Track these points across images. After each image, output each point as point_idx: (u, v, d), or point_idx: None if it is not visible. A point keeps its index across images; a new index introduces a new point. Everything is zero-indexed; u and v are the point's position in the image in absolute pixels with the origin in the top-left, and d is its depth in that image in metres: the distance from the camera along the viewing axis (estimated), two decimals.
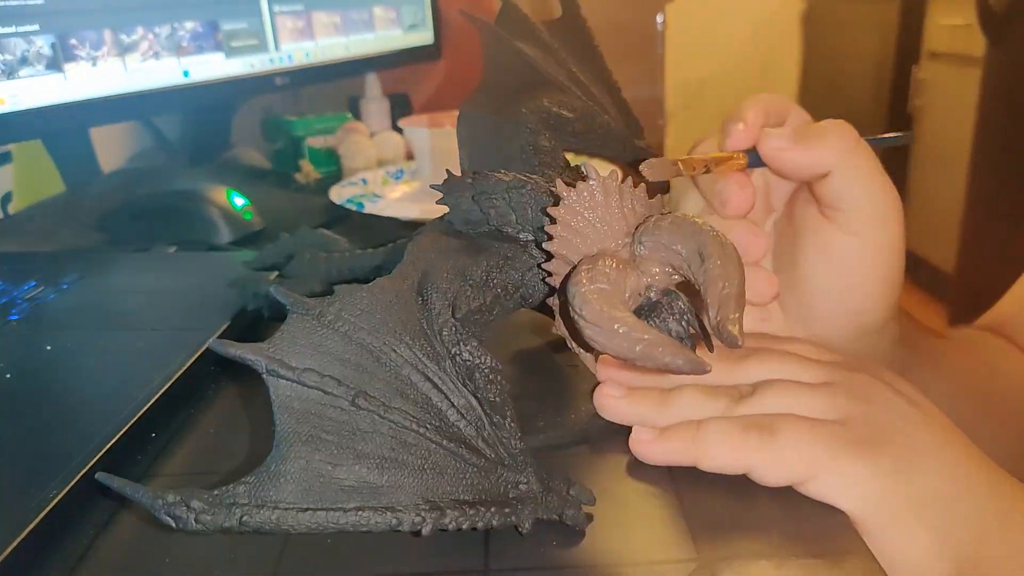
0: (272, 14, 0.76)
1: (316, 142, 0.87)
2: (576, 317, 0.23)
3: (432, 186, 0.32)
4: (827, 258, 0.35)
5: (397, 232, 0.61)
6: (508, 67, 0.38)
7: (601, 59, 0.42)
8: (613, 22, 1.15)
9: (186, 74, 0.68)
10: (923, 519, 0.27)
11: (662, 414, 0.30)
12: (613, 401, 0.31)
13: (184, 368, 0.36)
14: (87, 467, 0.29)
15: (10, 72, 0.54)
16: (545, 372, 0.39)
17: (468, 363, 0.26)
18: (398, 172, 0.79)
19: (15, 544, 0.25)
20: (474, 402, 0.26)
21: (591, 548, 0.26)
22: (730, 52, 2.73)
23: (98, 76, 0.60)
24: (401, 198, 0.74)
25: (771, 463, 0.28)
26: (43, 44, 0.56)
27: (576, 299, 0.23)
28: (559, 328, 0.31)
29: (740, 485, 0.29)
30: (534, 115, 0.35)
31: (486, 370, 0.26)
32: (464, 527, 0.25)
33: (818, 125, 0.35)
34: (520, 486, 0.26)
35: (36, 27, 0.56)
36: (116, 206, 0.64)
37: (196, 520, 0.23)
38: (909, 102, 2.19)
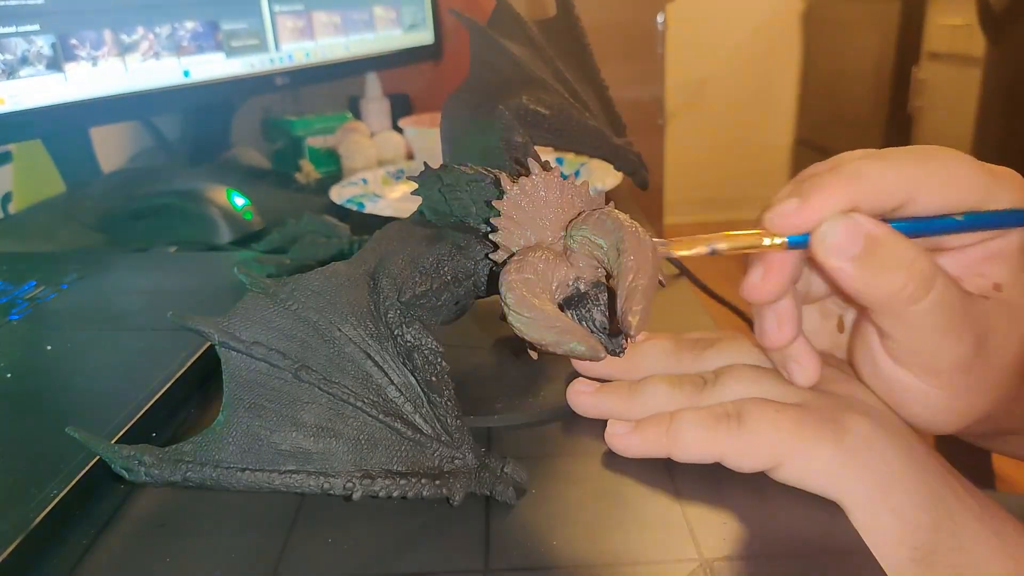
0: (272, 14, 0.76)
1: (316, 142, 0.87)
2: (503, 304, 0.25)
3: (408, 176, 0.33)
4: (891, 389, 0.30)
5: None
6: (494, 65, 0.39)
7: (591, 57, 0.43)
8: (614, 22, 1.14)
9: (186, 74, 0.68)
10: (887, 502, 0.27)
11: (631, 406, 0.32)
12: (584, 397, 0.33)
13: (184, 368, 0.36)
14: (87, 467, 0.29)
15: (10, 72, 0.54)
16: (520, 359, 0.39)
17: (409, 344, 0.28)
18: (398, 172, 0.79)
19: (16, 543, 0.25)
20: (413, 381, 0.28)
21: (591, 548, 0.26)
22: (730, 52, 2.73)
23: (98, 76, 0.60)
24: (401, 198, 0.74)
25: (742, 451, 0.28)
26: (43, 44, 0.56)
27: (502, 287, 0.25)
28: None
29: (740, 484, 0.29)
30: (510, 111, 0.35)
31: (426, 351, 0.28)
32: (394, 495, 0.26)
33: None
34: (455, 461, 0.28)
35: (36, 27, 0.56)
36: (116, 206, 0.64)
37: (146, 473, 0.25)
38: (909, 102, 2.19)
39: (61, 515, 0.27)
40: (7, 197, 0.75)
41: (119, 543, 0.27)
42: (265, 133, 0.93)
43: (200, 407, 0.36)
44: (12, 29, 0.54)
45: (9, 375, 0.36)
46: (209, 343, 0.38)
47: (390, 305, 0.28)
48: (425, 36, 1.00)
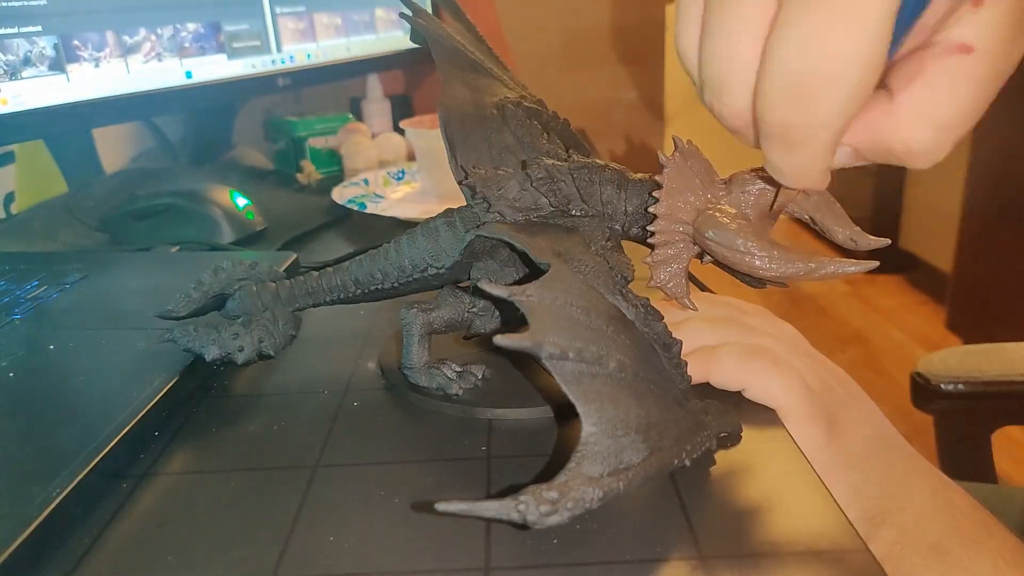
0: (274, 15, 0.77)
1: (318, 143, 0.87)
2: (741, 254, 0.28)
3: (463, 183, 0.34)
4: None
5: (398, 232, 0.61)
6: (452, 54, 0.40)
7: (487, 44, 0.44)
8: (614, 24, 1.15)
9: (188, 75, 0.68)
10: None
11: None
12: None
13: (186, 367, 0.36)
14: (90, 465, 0.29)
15: (13, 72, 0.55)
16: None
17: (659, 337, 0.29)
18: (399, 173, 0.79)
19: (18, 542, 0.25)
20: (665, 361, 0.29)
21: (591, 546, 0.26)
22: None
23: (101, 77, 0.60)
24: (403, 199, 0.74)
25: (763, 386, 0.35)
26: (46, 45, 0.56)
27: (738, 240, 0.28)
28: (657, 279, 0.32)
29: (740, 483, 0.29)
30: (517, 107, 0.37)
31: (672, 343, 0.29)
32: (699, 454, 0.28)
33: None
34: (702, 416, 0.30)
35: (39, 28, 0.56)
36: (118, 206, 0.64)
37: (553, 514, 0.24)
38: None
39: (63, 514, 0.27)
40: (10, 197, 0.75)
41: (121, 542, 0.27)
42: (267, 134, 0.94)
43: (201, 405, 0.37)
44: (15, 30, 0.54)
45: (11, 374, 0.37)
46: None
47: (619, 286, 0.29)
48: None
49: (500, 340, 0.24)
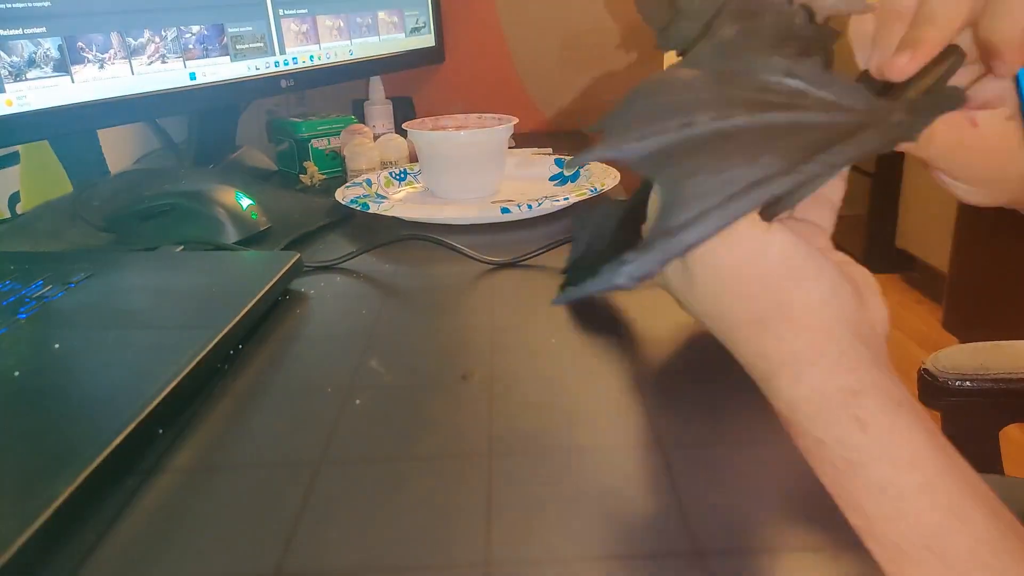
0: (277, 18, 0.77)
1: (320, 144, 0.88)
2: None
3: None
4: None
5: (401, 232, 0.61)
6: None
7: None
8: (615, 24, 1.15)
9: (192, 76, 0.68)
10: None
11: None
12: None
13: (191, 365, 0.37)
14: (95, 463, 0.29)
15: (18, 74, 0.55)
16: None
17: (763, 55, 0.28)
18: (402, 173, 0.80)
19: (26, 537, 0.25)
20: (793, 82, 0.28)
21: (590, 541, 0.26)
22: None
23: (105, 78, 0.61)
24: (405, 199, 0.74)
25: None
26: (50, 46, 0.57)
27: None
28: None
29: (738, 481, 0.29)
30: None
31: (783, 53, 0.28)
32: (853, 156, 0.26)
33: None
34: (879, 113, 0.27)
35: (43, 29, 0.56)
36: (123, 206, 0.64)
37: (637, 266, 0.25)
38: None
39: (70, 510, 0.27)
40: (15, 197, 0.75)
41: (127, 538, 0.28)
42: (270, 135, 0.94)
43: (206, 404, 0.37)
44: (20, 31, 0.55)
45: (17, 373, 0.37)
46: (216, 338, 0.39)
47: (748, 46, 0.29)
48: (428, 39, 1.01)
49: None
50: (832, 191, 0.35)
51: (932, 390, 0.73)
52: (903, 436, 0.27)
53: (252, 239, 0.62)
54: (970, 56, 0.31)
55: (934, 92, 0.29)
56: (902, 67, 0.30)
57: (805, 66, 0.28)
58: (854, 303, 0.30)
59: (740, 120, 0.26)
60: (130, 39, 0.63)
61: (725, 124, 0.26)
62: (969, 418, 0.74)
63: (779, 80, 0.28)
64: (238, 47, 0.72)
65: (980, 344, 0.75)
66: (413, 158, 0.86)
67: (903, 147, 0.33)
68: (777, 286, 0.28)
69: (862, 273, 0.30)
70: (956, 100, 0.27)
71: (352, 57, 0.88)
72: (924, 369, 0.74)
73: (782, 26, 0.31)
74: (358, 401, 0.37)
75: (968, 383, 0.71)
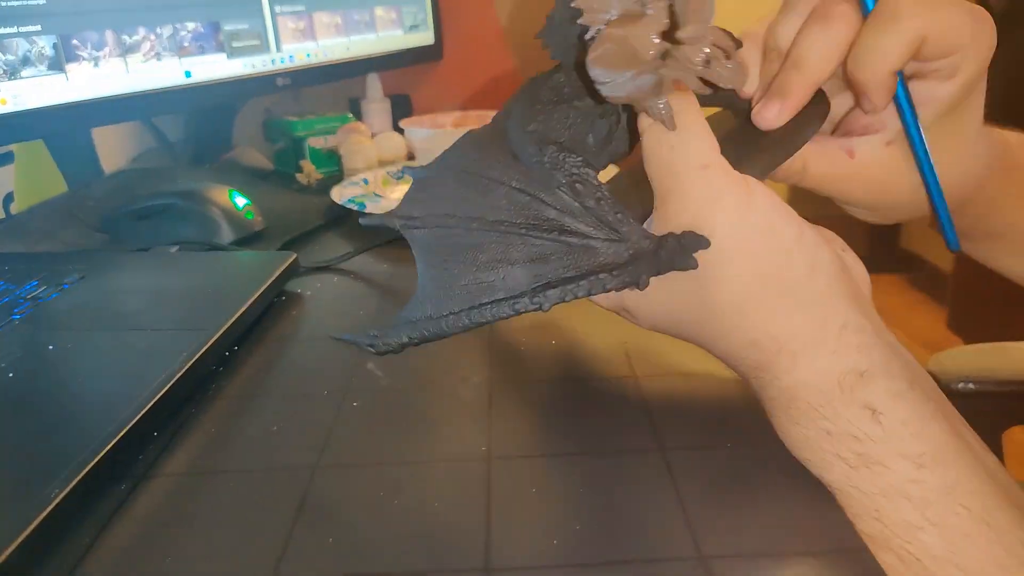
0: (274, 15, 0.76)
1: (317, 142, 0.87)
2: (595, 85, 0.28)
3: (539, 35, 0.34)
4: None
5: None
6: None
7: None
8: None
9: (188, 75, 0.68)
10: None
11: None
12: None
13: (185, 367, 0.36)
14: (89, 465, 0.29)
15: (12, 72, 0.54)
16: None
17: (547, 164, 0.29)
18: (399, 172, 0.79)
19: (18, 542, 0.25)
20: (568, 200, 0.29)
21: (591, 546, 0.26)
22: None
23: (100, 76, 0.60)
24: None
25: None
26: (45, 44, 0.56)
27: (589, 69, 0.28)
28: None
29: (740, 483, 0.29)
30: None
31: (585, 178, 0.29)
32: (580, 295, 0.27)
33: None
34: (629, 251, 0.28)
35: (38, 27, 0.56)
36: (118, 206, 0.64)
37: (383, 343, 0.28)
38: None
39: (63, 514, 0.27)
40: (9, 197, 0.75)
41: (120, 542, 0.27)
42: (266, 134, 0.93)
43: (200, 406, 0.37)
44: (14, 29, 0.54)
45: (11, 374, 0.37)
46: (211, 340, 0.38)
47: (524, 136, 0.30)
48: (426, 37, 1.00)
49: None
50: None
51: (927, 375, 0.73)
52: (923, 426, 0.24)
53: (248, 239, 0.62)
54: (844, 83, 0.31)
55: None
56: (771, 119, 0.30)
57: (576, 189, 0.29)
58: (840, 264, 0.27)
59: (502, 229, 0.29)
60: (125, 36, 0.62)
61: (487, 234, 0.29)
62: (972, 420, 0.74)
63: (554, 192, 0.29)
64: (234, 44, 0.72)
65: (984, 345, 0.75)
66: (411, 156, 0.85)
67: (785, 177, 0.32)
68: (765, 252, 0.26)
69: (824, 229, 0.28)
70: (691, 261, 0.27)
71: (349, 54, 0.87)
72: (927, 371, 0.74)
73: (598, 113, 0.31)
74: (355, 404, 0.36)
75: (972, 385, 0.71)
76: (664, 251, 0.27)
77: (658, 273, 0.27)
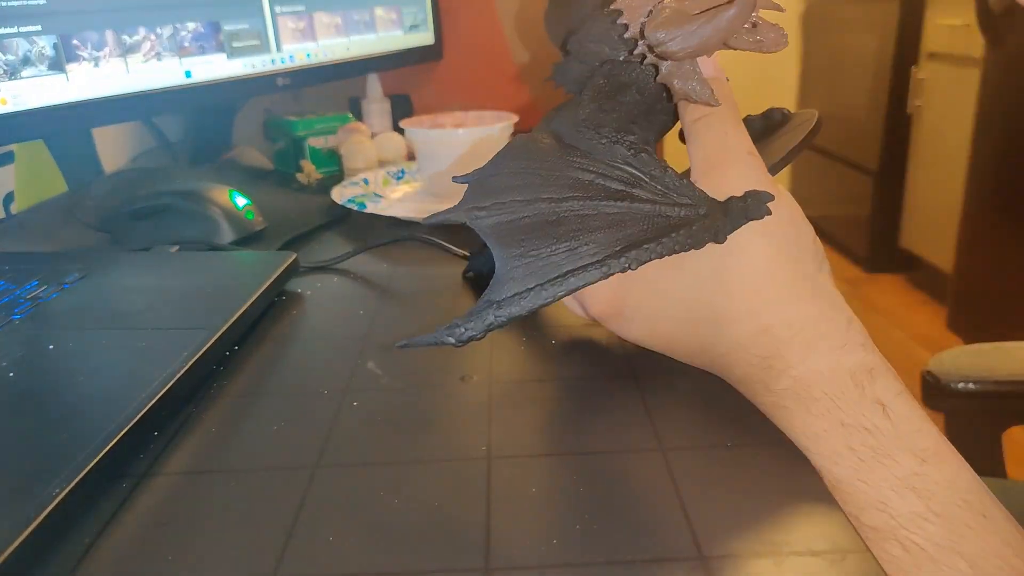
0: (274, 15, 0.76)
1: (317, 142, 0.87)
2: (658, 58, 0.33)
3: (549, 79, 0.37)
4: None
5: (398, 233, 0.61)
6: None
7: None
8: None
9: (188, 75, 0.68)
10: None
11: None
12: None
13: (186, 367, 0.36)
14: (90, 466, 0.29)
15: (12, 72, 0.54)
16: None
17: (607, 142, 0.31)
18: (399, 172, 0.79)
19: (18, 542, 0.25)
20: (633, 171, 0.31)
21: (591, 546, 0.26)
22: (728, 52, 2.72)
23: (100, 76, 0.60)
24: (403, 198, 0.74)
25: None
26: (45, 44, 0.56)
27: (650, 41, 0.32)
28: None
29: (740, 483, 0.29)
30: None
31: (626, 144, 0.31)
32: (665, 253, 0.29)
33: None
34: (700, 210, 0.29)
35: (38, 27, 0.56)
36: (118, 206, 0.64)
37: (466, 331, 0.29)
38: (908, 102, 2.19)
39: (63, 514, 0.27)
40: (9, 197, 0.75)
41: (121, 542, 0.27)
42: (266, 133, 0.93)
43: (201, 405, 0.37)
44: (14, 29, 0.54)
45: (11, 374, 0.37)
46: (211, 339, 0.39)
47: (578, 124, 0.32)
48: (426, 37, 1.00)
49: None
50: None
51: (935, 392, 0.73)
52: (922, 423, 0.25)
53: (248, 239, 0.62)
54: None
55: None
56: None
57: (641, 159, 0.31)
58: (818, 248, 0.30)
59: (573, 204, 0.30)
60: (125, 36, 0.62)
61: (559, 208, 0.30)
62: (972, 420, 0.74)
63: (618, 167, 0.31)
64: (234, 44, 0.72)
65: (983, 345, 0.75)
66: (411, 156, 0.86)
67: None
68: (785, 244, 0.28)
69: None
70: (764, 209, 0.29)
71: (349, 54, 0.87)
72: (927, 371, 0.74)
73: (642, 105, 0.34)
74: (355, 403, 0.36)
75: (972, 385, 0.71)
76: (734, 208, 0.29)
77: (734, 228, 0.29)
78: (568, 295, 0.29)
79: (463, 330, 0.29)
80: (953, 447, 0.25)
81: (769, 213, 0.28)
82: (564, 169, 0.31)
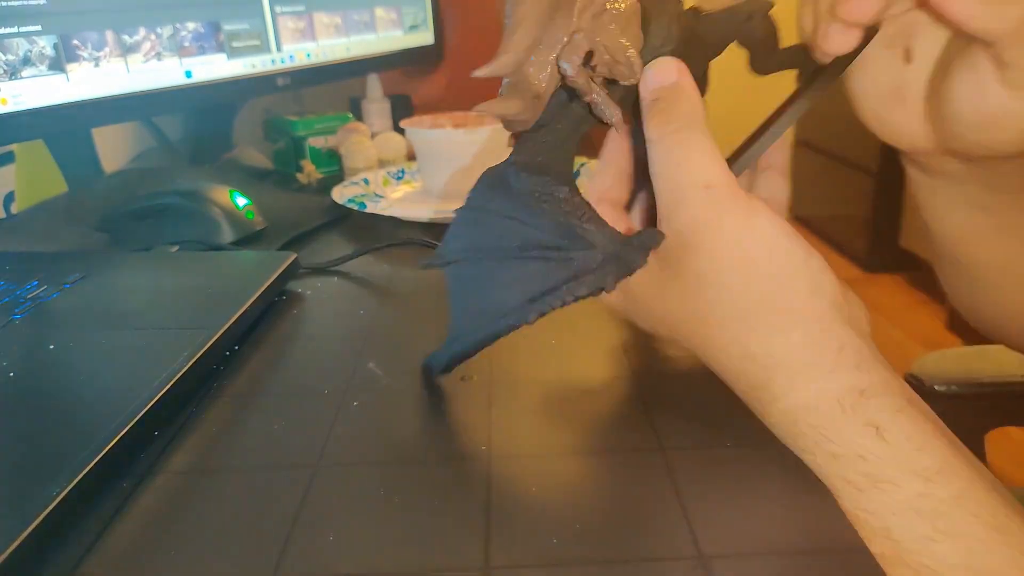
0: (274, 15, 0.76)
1: (317, 142, 0.87)
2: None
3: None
4: None
5: (398, 232, 0.61)
6: None
7: None
8: None
9: (188, 75, 0.68)
10: None
11: None
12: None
13: (186, 367, 0.36)
14: (90, 465, 0.29)
15: (13, 72, 0.54)
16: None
17: (524, 189, 0.32)
18: (399, 172, 0.79)
19: (19, 541, 0.25)
20: (543, 217, 0.31)
21: (591, 545, 0.26)
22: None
23: (100, 76, 0.60)
24: (403, 198, 0.74)
25: None
26: (46, 44, 0.56)
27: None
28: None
29: (740, 482, 0.29)
30: None
31: (546, 191, 0.31)
32: (556, 306, 0.29)
33: None
34: (598, 256, 0.29)
35: (38, 27, 0.56)
36: (118, 206, 0.64)
37: (438, 367, 0.35)
38: None
39: (64, 513, 0.27)
40: (10, 197, 0.75)
41: (122, 541, 0.27)
42: (266, 133, 0.93)
43: (201, 405, 0.37)
44: (14, 29, 0.54)
45: (12, 374, 0.37)
46: (212, 339, 0.39)
47: (510, 167, 0.33)
48: (426, 37, 1.00)
49: (423, 264, 0.34)
50: (778, 157, 0.34)
51: (918, 395, 0.73)
52: (925, 440, 0.24)
53: (248, 239, 0.62)
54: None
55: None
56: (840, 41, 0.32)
57: (548, 206, 0.31)
58: (842, 293, 0.27)
59: (495, 262, 0.32)
60: (125, 36, 0.62)
61: (488, 265, 0.32)
62: (955, 423, 0.74)
63: (534, 215, 0.31)
64: (234, 45, 0.72)
65: (966, 349, 0.76)
66: (411, 156, 0.86)
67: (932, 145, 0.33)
68: (764, 274, 0.26)
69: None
70: (641, 260, 0.28)
71: (349, 54, 0.87)
72: (910, 374, 0.74)
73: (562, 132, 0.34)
74: (356, 403, 0.36)
75: (955, 387, 0.72)
76: (626, 253, 0.28)
77: (622, 275, 0.28)
78: (492, 343, 0.32)
79: (436, 362, 0.35)
80: (968, 457, 0.24)
81: (643, 264, 0.27)
82: (500, 217, 0.32)
